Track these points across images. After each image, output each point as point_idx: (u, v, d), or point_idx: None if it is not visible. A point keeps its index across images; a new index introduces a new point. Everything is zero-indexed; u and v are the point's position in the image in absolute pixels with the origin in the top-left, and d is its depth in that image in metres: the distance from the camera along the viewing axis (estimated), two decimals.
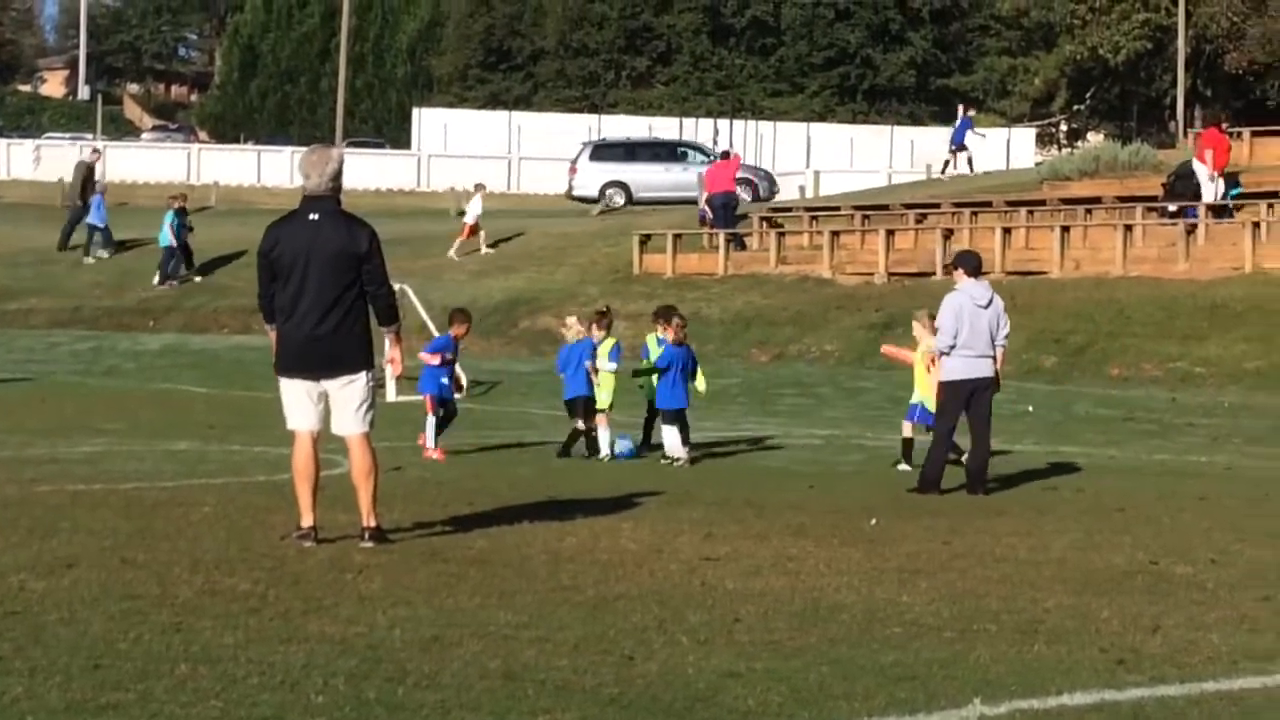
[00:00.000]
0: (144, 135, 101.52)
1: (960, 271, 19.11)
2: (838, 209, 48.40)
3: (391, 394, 31.87)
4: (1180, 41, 68.32)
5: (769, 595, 10.85)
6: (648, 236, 45.77)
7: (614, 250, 46.43)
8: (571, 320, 23.03)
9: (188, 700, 7.56)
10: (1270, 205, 39.78)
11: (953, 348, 18.55)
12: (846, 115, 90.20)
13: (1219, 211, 39.83)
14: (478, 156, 74.04)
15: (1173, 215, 40.60)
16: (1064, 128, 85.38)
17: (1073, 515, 16.35)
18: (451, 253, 48.38)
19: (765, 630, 9.60)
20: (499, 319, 42.50)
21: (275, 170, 72.15)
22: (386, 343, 13.15)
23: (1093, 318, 35.55)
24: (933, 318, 20.33)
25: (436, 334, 35.36)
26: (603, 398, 21.44)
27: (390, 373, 14.18)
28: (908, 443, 20.92)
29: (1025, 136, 79.41)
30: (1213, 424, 28.22)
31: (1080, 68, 77.71)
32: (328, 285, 12.48)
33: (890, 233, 42.61)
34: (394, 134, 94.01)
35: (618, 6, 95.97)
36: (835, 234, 43.73)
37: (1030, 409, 29.89)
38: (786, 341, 38.85)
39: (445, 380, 21.17)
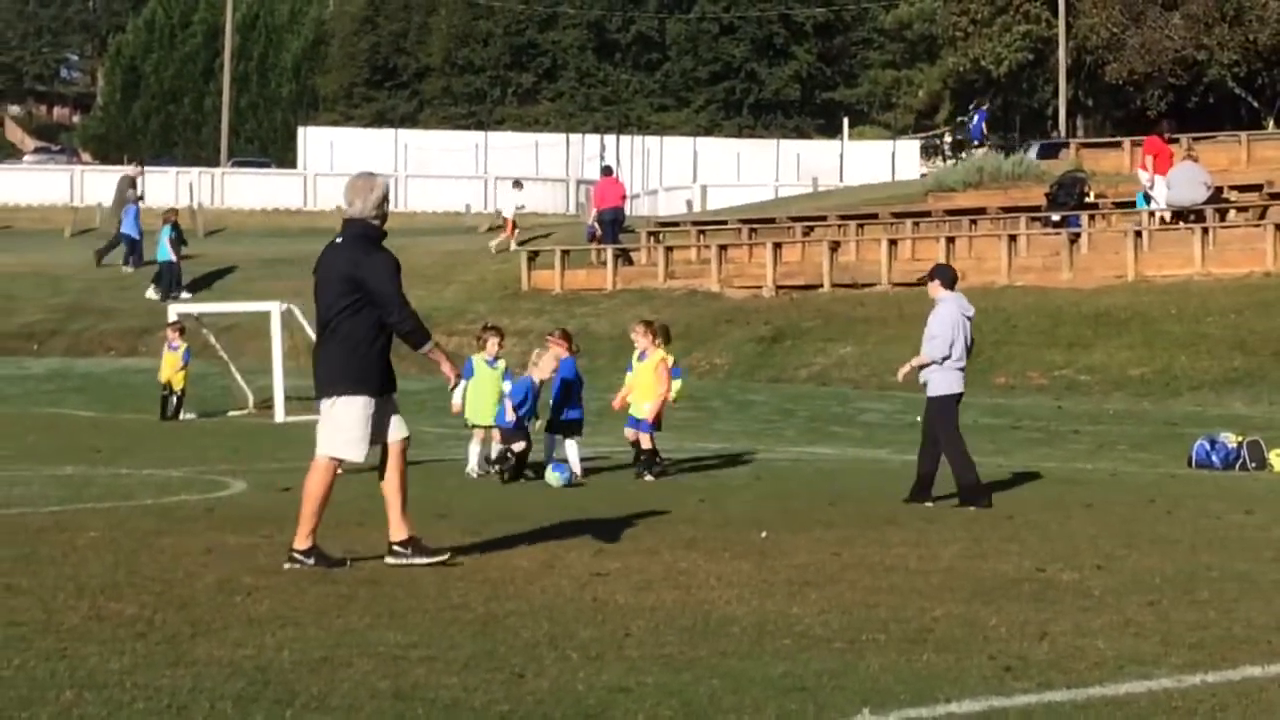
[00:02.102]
0: (26, 157, 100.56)
1: (937, 284, 19.00)
2: (725, 223, 48.61)
3: (280, 415, 31.73)
4: (1061, 53, 68.99)
5: (660, 609, 10.85)
6: (536, 253, 45.79)
7: (502, 267, 46.39)
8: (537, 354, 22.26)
9: None
10: (1152, 214, 40.23)
11: (946, 359, 18.53)
12: (733, 129, 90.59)
13: (1177, 215, 40.07)
14: None
15: (1056, 225, 40.98)
16: (948, 139, 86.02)
17: (961, 524, 16.46)
18: (492, 245, 49.31)
19: (656, 644, 9.60)
20: None
21: (160, 191, 71.57)
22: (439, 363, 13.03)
23: (979, 327, 35.40)
24: (648, 324, 21.58)
25: None
26: (483, 412, 21.17)
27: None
28: (651, 453, 21.21)
29: (910, 149, 79.95)
30: (1098, 431, 28.50)
31: (963, 79, 78.39)
32: (327, 307, 12.55)
33: (777, 246, 42.78)
34: (279, 153, 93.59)
35: (503, 23, 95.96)
36: (723, 248, 43.87)
37: (917, 419, 30.05)
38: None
39: None
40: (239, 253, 51.32)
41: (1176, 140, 42.61)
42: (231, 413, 34.72)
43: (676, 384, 21.96)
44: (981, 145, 56.47)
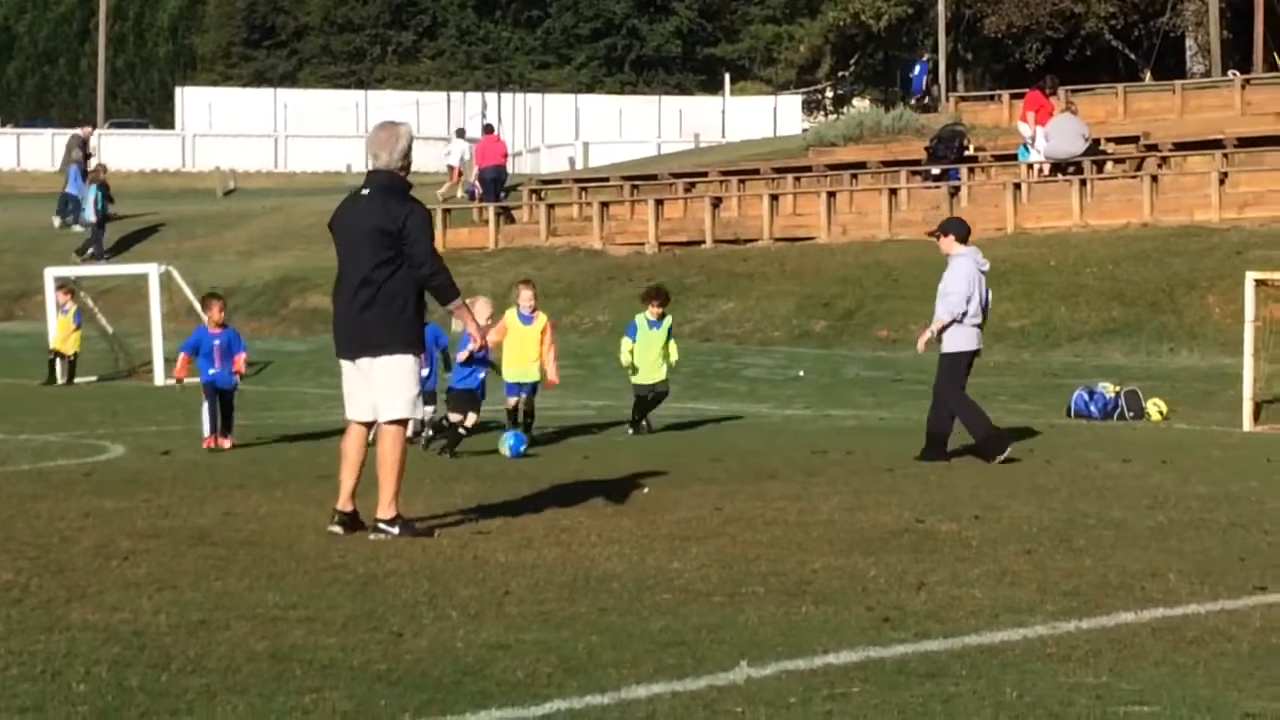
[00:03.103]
0: None
1: (951, 238, 18.59)
2: (607, 180, 48.55)
3: (160, 378, 31.47)
4: (940, 6, 69.22)
5: (540, 567, 10.86)
6: None
7: None
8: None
9: None
10: (1030, 166, 40.51)
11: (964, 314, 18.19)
12: (614, 86, 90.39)
13: (1056, 167, 40.29)
14: (244, 135, 73.28)
15: (936, 178, 41.20)
16: (829, 94, 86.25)
17: (842, 477, 16.56)
18: (439, 194, 48.93)
19: (535, 602, 9.61)
20: (269, 299, 42.15)
21: (36, 153, 70.82)
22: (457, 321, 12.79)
23: (860, 282, 35.99)
24: (526, 283, 20.94)
25: (205, 318, 35.05)
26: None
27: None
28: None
29: (791, 104, 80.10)
30: (978, 382, 28.57)
31: (844, 34, 78.53)
32: (364, 263, 12.13)
33: (659, 202, 42.79)
34: (157, 114, 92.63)
35: None
36: (605, 205, 43.83)
37: (801, 373, 30.24)
38: (559, 313, 38.79)
39: (217, 369, 20.03)
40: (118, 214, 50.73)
41: (1055, 94, 42.92)
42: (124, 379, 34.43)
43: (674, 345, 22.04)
44: (924, 98, 56.21)
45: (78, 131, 54.74)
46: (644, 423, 21.93)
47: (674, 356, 22.33)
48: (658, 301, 22.16)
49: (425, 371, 19.13)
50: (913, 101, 55.12)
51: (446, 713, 7.02)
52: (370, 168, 12.51)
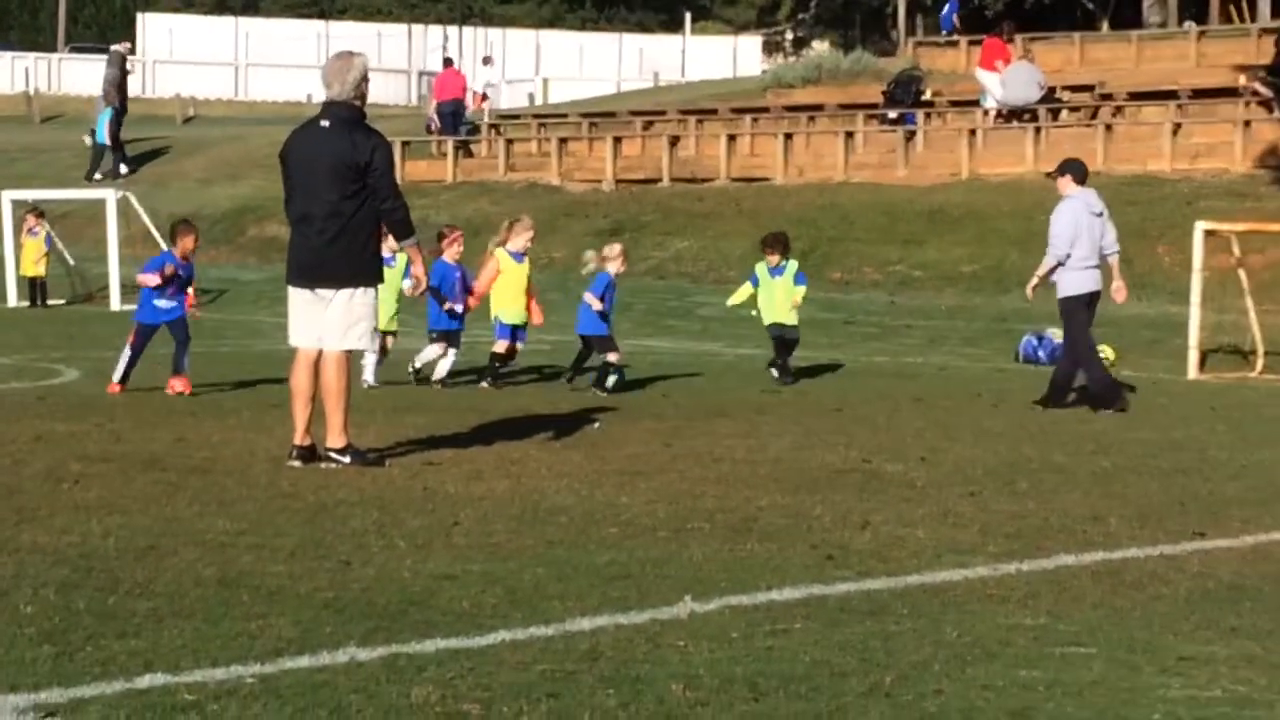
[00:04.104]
0: None
1: (1068, 178, 18.52)
2: (565, 117, 48.46)
3: (116, 303, 31.39)
4: None
5: (489, 498, 10.94)
6: None
7: None
8: (589, 255, 20.92)
9: None
10: (987, 113, 40.57)
11: (1069, 257, 18.03)
12: (576, 23, 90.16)
13: (1012, 114, 40.34)
14: (204, 63, 72.91)
15: (893, 122, 41.24)
16: (789, 36, 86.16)
17: (792, 416, 16.67)
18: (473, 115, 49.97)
19: (483, 533, 9.69)
20: (226, 227, 42.05)
21: None
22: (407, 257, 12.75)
23: (816, 223, 36.03)
24: (525, 220, 20.32)
25: (164, 244, 34.97)
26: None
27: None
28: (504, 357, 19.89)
29: (751, 45, 80.00)
30: (930, 326, 28.87)
31: None
32: (327, 195, 12.13)
33: (618, 140, 42.73)
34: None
35: None
36: (563, 141, 43.76)
37: (754, 313, 30.28)
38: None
39: (168, 303, 17.91)
40: (75, 139, 50.49)
41: (1013, 40, 42.95)
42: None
43: (801, 289, 21.09)
44: (952, 33, 55.28)
45: (117, 48, 54.38)
46: (783, 365, 20.92)
47: (796, 300, 21.12)
48: (772, 249, 21.20)
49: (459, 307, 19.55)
50: (942, 38, 53.55)
51: (391, 641, 7.10)
52: (326, 98, 12.50)
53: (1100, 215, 18.35)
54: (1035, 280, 18.52)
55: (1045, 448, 14.54)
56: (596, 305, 19.40)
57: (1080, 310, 18.26)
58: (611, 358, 19.22)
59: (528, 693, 6.40)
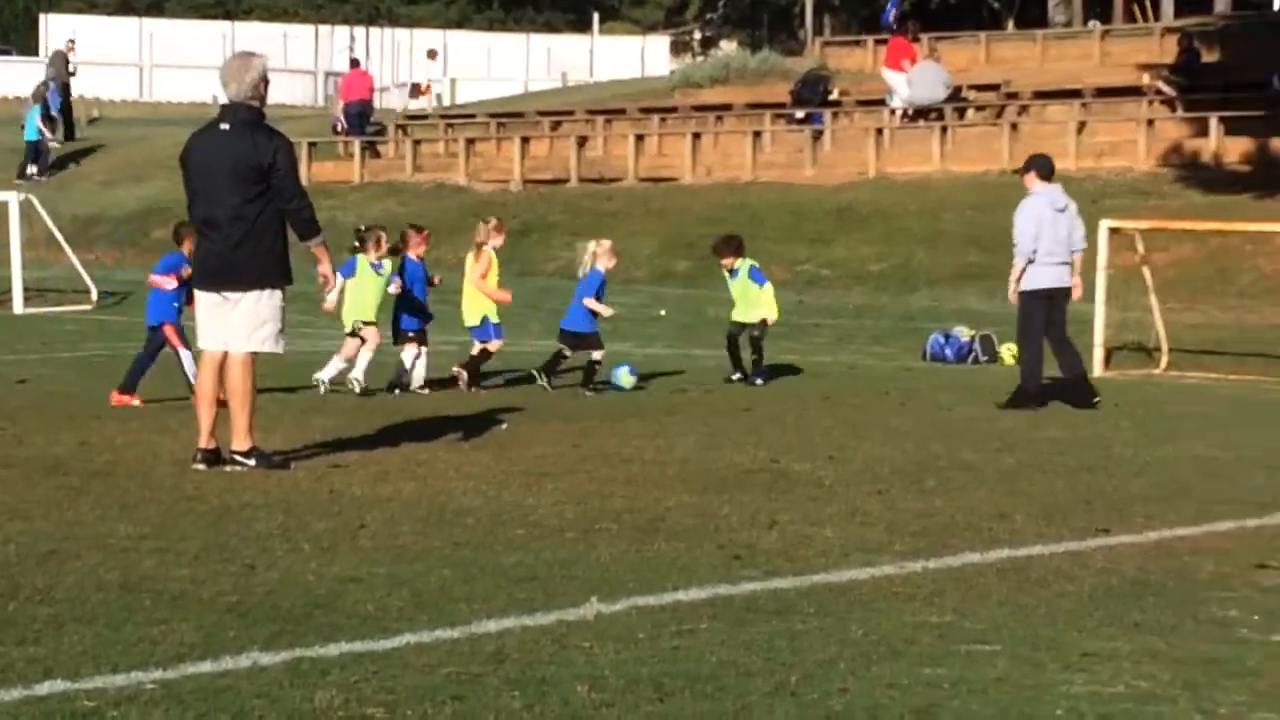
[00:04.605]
0: None
1: (1032, 175, 18.44)
2: (473, 117, 48.39)
3: (19, 306, 31.10)
4: None
5: (396, 500, 10.90)
6: None
7: None
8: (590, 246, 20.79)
9: None
10: (894, 112, 40.74)
11: (1035, 253, 17.99)
12: (483, 23, 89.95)
13: (918, 113, 40.50)
14: (108, 64, 72.31)
15: (800, 122, 41.35)
16: (697, 36, 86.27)
17: (701, 416, 16.67)
18: (411, 107, 50.79)
19: (389, 535, 9.64)
20: (131, 229, 41.75)
21: None
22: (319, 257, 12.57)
23: (724, 223, 35.93)
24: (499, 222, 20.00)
25: (66, 247, 34.71)
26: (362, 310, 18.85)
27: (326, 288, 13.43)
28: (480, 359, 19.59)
29: (660, 45, 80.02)
30: (838, 325, 28.94)
31: None
32: (230, 198, 12.04)
33: (525, 140, 42.71)
34: (21, 40, 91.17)
35: None
36: (471, 141, 43.69)
37: (663, 312, 30.30)
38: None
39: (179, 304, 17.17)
40: None
41: (919, 40, 43.15)
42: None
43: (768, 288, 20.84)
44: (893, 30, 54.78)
45: (60, 48, 54.11)
46: (741, 369, 20.55)
47: (764, 302, 20.82)
48: (722, 253, 20.99)
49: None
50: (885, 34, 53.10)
51: (295, 645, 7.05)
52: (224, 100, 12.41)
53: (1064, 211, 18.34)
54: (1013, 285, 18.52)
55: (953, 446, 14.59)
56: (606, 311, 19.63)
57: (1036, 306, 18.23)
58: (597, 355, 19.30)
59: (432, 696, 6.37)
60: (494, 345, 19.49)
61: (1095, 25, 48.77)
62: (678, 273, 34.86)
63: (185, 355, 16.79)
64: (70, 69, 53.15)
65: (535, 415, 16.25)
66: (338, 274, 18.53)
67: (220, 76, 12.43)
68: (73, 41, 59.96)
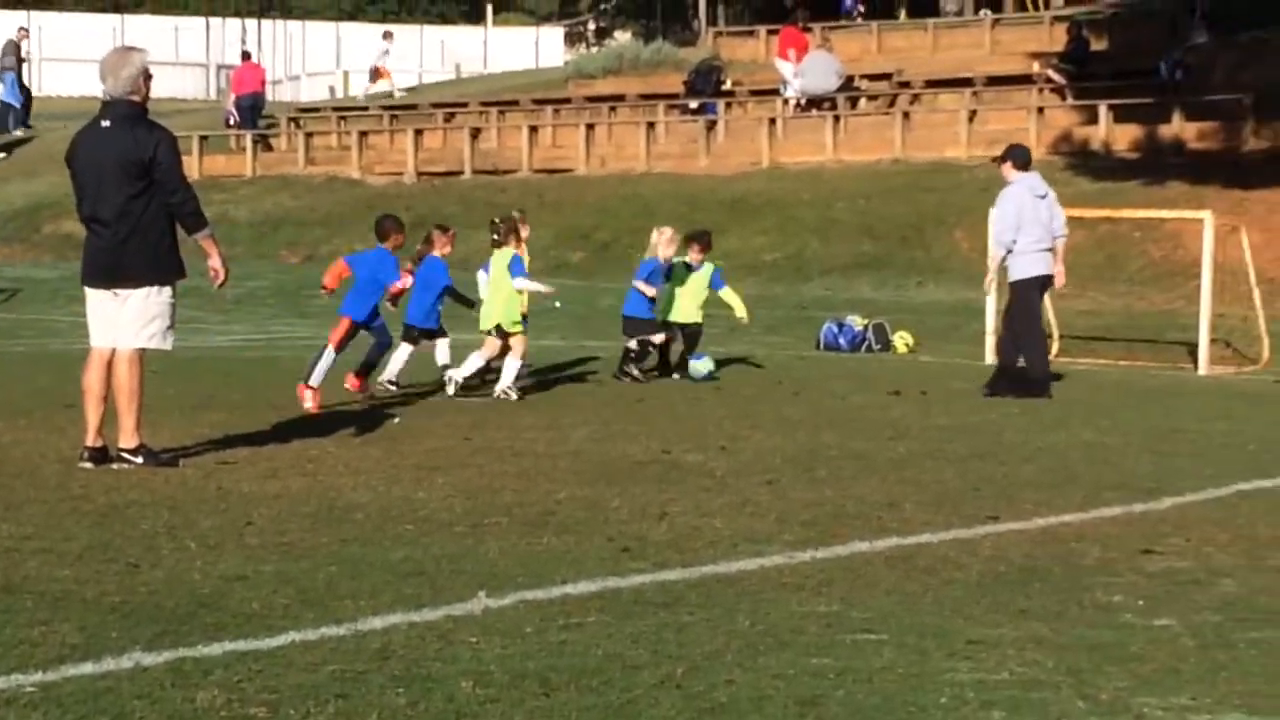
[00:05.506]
0: None
1: (1009, 165, 18.46)
2: (366, 109, 48.20)
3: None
4: None
5: (284, 497, 10.83)
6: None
7: None
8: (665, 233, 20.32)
9: None
10: (787, 102, 40.85)
11: (1016, 243, 18.00)
12: (376, 15, 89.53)
13: (811, 103, 40.58)
14: None
15: (694, 112, 41.40)
16: (592, 26, 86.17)
17: (593, 408, 16.66)
18: (369, 91, 51.62)
19: (277, 532, 9.58)
20: (20, 225, 41.34)
21: None
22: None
23: (618, 214, 36.10)
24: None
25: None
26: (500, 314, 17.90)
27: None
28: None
29: (554, 35, 79.88)
30: (732, 315, 28.93)
31: None
32: (115, 195, 11.93)
33: (419, 132, 42.56)
34: None
35: None
36: (364, 134, 43.51)
37: (558, 304, 30.21)
38: (317, 242, 38.57)
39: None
40: None
41: (810, 30, 43.26)
42: None
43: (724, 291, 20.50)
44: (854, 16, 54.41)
45: (12, 37, 53.49)
46: (681, 361, 20.24)
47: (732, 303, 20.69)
48: (696, 245, 20.69)
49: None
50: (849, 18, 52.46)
51: (178, 645, 6.99)
52: (105, 96, 12.31)
53: (1045, 198, 18.42)
54: (990, 274, 18.55)
55: (844, 435, 14.65)
56: (649, 292, 19.65)
57: (1033, 294, 18.34)
58: (632, 345, 19.48)
59: (316, 694, 6.33)
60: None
61: (986, 14, 49.02)
62: (572, 264, 34.82)
63: (329, 353, 16.40)
64: (23, 55, 52.72)
65: (427, 409, 16.21)
66: (480, 271, 18.61)
67: (99, 72, 12.32)
68: (25, 30, 59.41)
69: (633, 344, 19.57)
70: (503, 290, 17.85)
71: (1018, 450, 13.93)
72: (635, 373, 19.35)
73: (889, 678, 6.77)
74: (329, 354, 16.35)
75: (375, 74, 53.94)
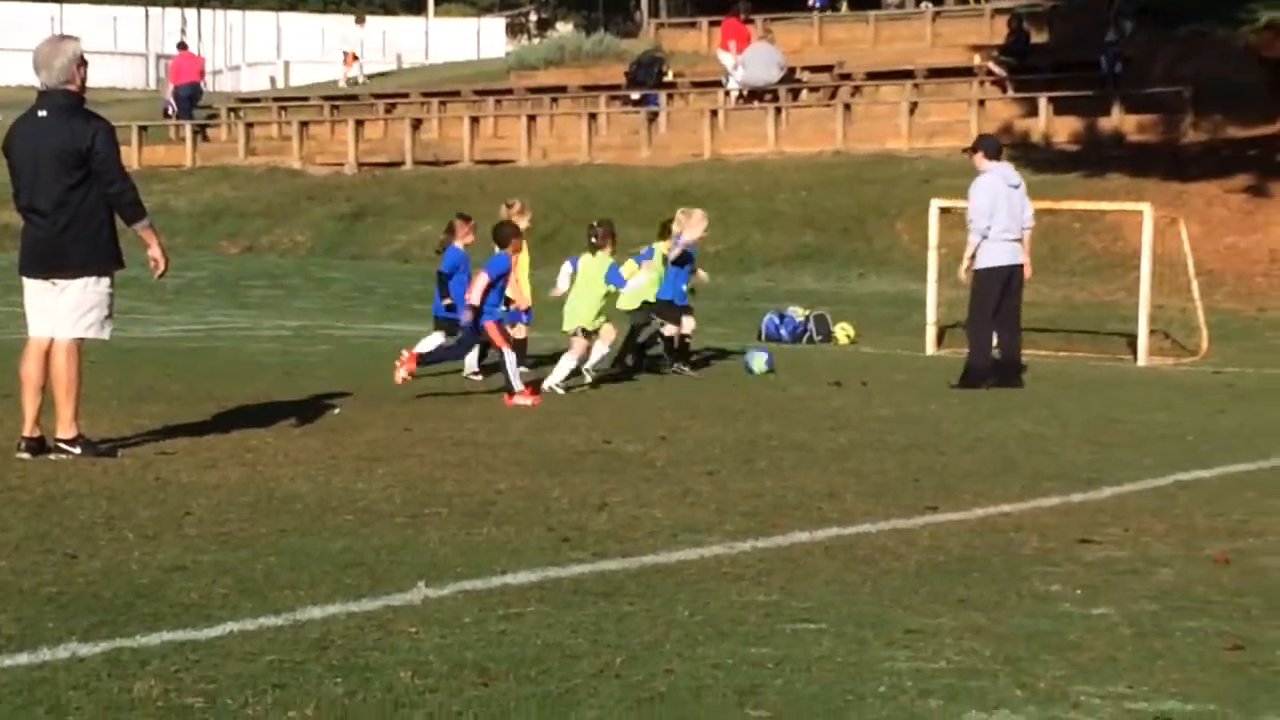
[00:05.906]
0: None
1: (980, 155, 18.49)
2: (307, 99, 48.09)
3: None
4: None
5: (223, 487, 10.79)
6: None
7: None
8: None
9: None
10: (728, 94, 40.89)
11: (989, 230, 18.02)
12: (317, 5, 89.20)
13: (753, 94, 40.63)
14: None
15: (636, 104, 41.41)
16: (533, 18, 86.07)
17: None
18: (342, 81, 52.55)
19: (216, 523, 9.54)
20: None
21: None
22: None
23: (559, 205, 36.03)
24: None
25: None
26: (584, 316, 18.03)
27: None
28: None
29: (495, 26, 79.81)
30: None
31: None
32: (53, 186, 11.89)
33: (360, 123, 42.50)
34: None
35: None
36: (304, 124, 43.40)
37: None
38: (257, 233, 38.46)
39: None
40: None
41: (752, 21, 43.31)
42: None
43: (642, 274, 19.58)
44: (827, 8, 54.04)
45: None
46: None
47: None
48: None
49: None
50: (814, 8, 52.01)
51: (116, 635, 6.95)
52: (40, 86, 12.25)
53: (1017, 188, 18.47)
54: (966, 262, 18.55)
55: (785, 425, 14.68)
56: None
57: (992, 284, 18.32)
58: (668, 330, 19.40)
59: (254, 684, 6.30)
60: (520, 331, 18.76)
61: (927, 6, 49.17)
62: None
63: (509, 355, 16.57)
64: None
65: (367, 399, 16.16)
66: (566, 263, 18.72)
67: (33, 63, 12.27)
68: None
69: (668, 330, 19.40)
70: (590, 293, 17.92)
71: (957, 440, 13.98)
72: (683, 368, 19.38)
73: (827, 667, 6.78)
74: (509, 357, 16.48)
75: (347, 58, 54.55)
